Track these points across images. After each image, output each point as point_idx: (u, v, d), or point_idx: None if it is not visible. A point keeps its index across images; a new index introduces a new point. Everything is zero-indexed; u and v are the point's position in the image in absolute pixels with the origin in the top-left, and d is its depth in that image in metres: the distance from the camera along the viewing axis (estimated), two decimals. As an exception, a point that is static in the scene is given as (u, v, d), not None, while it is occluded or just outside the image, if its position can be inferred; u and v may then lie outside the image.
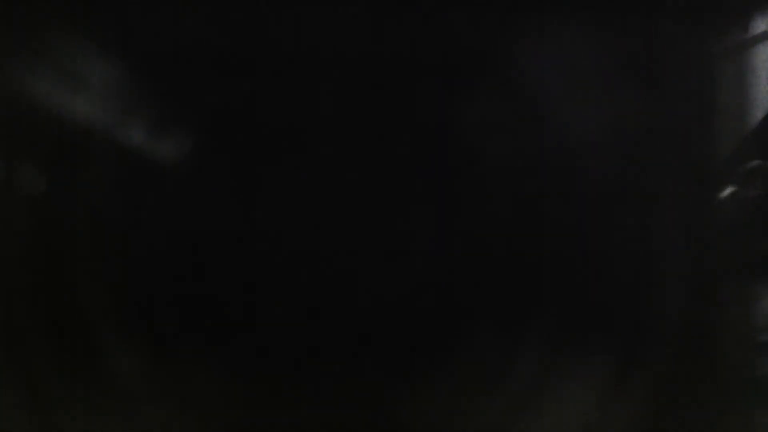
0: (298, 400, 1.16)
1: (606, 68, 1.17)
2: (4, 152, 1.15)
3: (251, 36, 1.16)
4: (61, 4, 1.14)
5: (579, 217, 1.16)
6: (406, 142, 1.18)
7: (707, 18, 1.18)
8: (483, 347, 1.16)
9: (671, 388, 1.14)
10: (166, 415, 1.14)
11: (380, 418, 1.16)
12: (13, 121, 1.15)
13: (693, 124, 1.19)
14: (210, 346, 1.15)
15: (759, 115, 1.19)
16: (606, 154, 1.17)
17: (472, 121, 1.18)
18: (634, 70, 1.17)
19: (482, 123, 1.18)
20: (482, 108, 1.17)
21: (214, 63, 1.17)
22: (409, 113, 1.18)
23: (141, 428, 1.13)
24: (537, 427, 1.15)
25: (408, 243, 1.18)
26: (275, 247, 1.17)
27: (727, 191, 1.18)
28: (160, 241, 1.16)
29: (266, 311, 1.17)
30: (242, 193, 1.18)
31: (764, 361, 1.16)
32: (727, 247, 1.17)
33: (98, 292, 1.15)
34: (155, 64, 1.16)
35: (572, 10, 1.15)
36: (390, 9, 1.15)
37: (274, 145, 1.19)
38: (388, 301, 1.17)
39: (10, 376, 1.12)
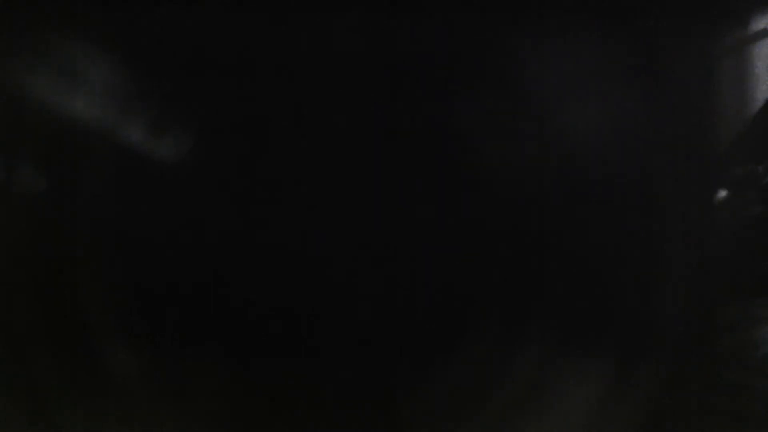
0: (298, 401, 1.16)
1: (603, 68, 1.17)
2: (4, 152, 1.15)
3: (252, 38, 1.16)
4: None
5: (573, 220, 1.16)
6: (409, 143, 1.18)
7: (707, 17, 1.18)
8: (484, 348, 1.16)
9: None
10: (166, 417, 1.14)
11: (381, 419, 1.16)
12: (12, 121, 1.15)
13: (692, 125, 1.19)
14: (210, 348, 1.16)
15: (759, 115, 1.19)
16: (602, 155, 1.17)
17: (476, 122, 1.18)
18: (632, 70, 1.17)
19: (486, 124, 1.18)
20: (486, 109, 1.18)
21: (216, 64, 1.17)
22: (412, 114, 1.18)
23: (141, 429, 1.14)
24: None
25: (409, 243, 1.18)
26: (278, 248, 1.17)
27: (727, 196, 1.18)
28: (162, 241, 1.16)
29: (267, 312, 1.17)
30: (244, 195, 1.18)
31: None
32: (727, 254, 1.17)
33: (98, 293, 1.15)
34: (157, 65, 1.16)
35: (570, 9, 1.15)
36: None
37: (276, 146, 1.19)
38: (389, 302, 1.17)
39: (10, 378, 1.12)
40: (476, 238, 1.17)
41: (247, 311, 1.16)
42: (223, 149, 1.19)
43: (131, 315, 1.15)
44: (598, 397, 1.15)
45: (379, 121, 1.18)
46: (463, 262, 1.18)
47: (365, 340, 1.16)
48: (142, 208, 1.17)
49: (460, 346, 1.16)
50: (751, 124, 1.19)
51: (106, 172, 1.17)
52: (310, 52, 1.16)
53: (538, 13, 1.15)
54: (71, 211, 1.16)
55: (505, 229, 1.17)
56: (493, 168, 1.17)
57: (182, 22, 1.15)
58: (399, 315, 1.17)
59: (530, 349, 1.15)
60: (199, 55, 1.16)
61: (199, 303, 1.16)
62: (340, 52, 1.17)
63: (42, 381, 1.13)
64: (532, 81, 1.17)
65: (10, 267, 1.14)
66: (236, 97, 1.18)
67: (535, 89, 1.17)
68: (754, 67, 1.19)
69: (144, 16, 1.14)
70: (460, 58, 1.17)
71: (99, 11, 1.14)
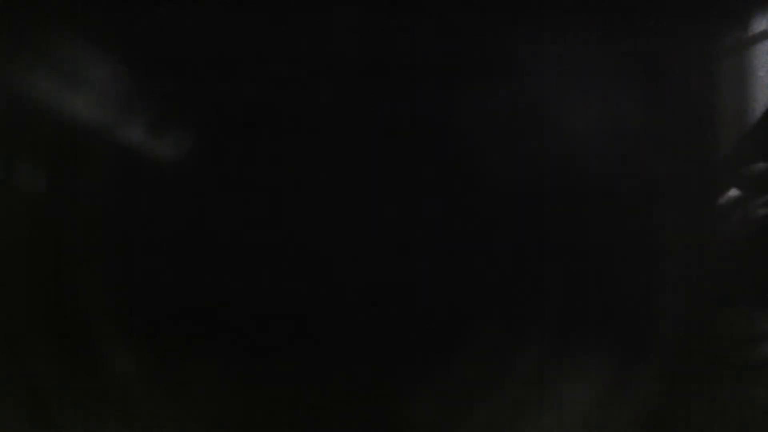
0: (298, 401, 1.16)
1: (604, 68, 1.17)
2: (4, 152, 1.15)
3: (252, 36, 1.16)
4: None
5: (574, 220, 1.16)
6: (408, 143, 1.18)
7: (707, 18, 1.18)
8: (484, 347, 1.16)
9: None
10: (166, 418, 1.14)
11: (381, 419, 1.16)
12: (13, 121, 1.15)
13: (693, 125, 1.19)
14: (209, 348, 1.16)
15: (759, 115, 1.19)
16: (603, 155, 1.17)
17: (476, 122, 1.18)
18: (632, 70, 1.17)
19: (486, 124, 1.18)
20: (486, 108, 1.18)
21: (215, 63, 1.17)
22: (412, 114, 1.18)
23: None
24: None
25: (409, 243, 1.18)
26: (277, 247, 1.17)
27: (729, 195, 1.18)
28: (161, 241, 1.16)
29: (267, 312, 1.17)
30: (244, 195, 1.18)
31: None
32: (731, 255, 1.17)
33: (98, 293, 1.15)
34: (156, 66, 1.17)
35: (571, 9, 1.15)
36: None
37: (275, 145, 1.19)
38: (389, 302, 1.17)
39: (9, 379, 1.12)
40: (475, 238, 1.17)
41: (248, 311, 1.16)
42: (222, 150, 1.19)
43: (131, 315, 1.15)
44: (599, 397, 1.15)
45: (378, 121, 1.18)
46: (463, 262, 1.18)
47: (365, 340, 1.16)
48: (141, 208, 1.17)
49: (460, 346, 1.16)
50: (752, 125, 1.19)
51: (106, 171, 1.17)
52: (310, 51, 1.16)
53: (538, 12, 1.15)
54: (71, 210, 1.16)
55: (506, 229, 1.17)
56: (494, 167, 1.17)
57: (182, 22, 1.15)
58: (398, 315, 1.17)
59: (530, 348, 1.15)
60: (199, 55, 1.16)
61: (199, 303, 1.16)
62: (340, 52, 1.17)
63: (42, 381, 1.13)
64: (533, 81, 1.17)
65: (10, 267, 1.14)
66: (236, 96, 1.18)
67: (535, 89, 1.17)
68: (754, 67, 1.19)
69: (144, 16, 1.14)
70: (460, 57, 1.17)
71: (99, 11, 1.14)
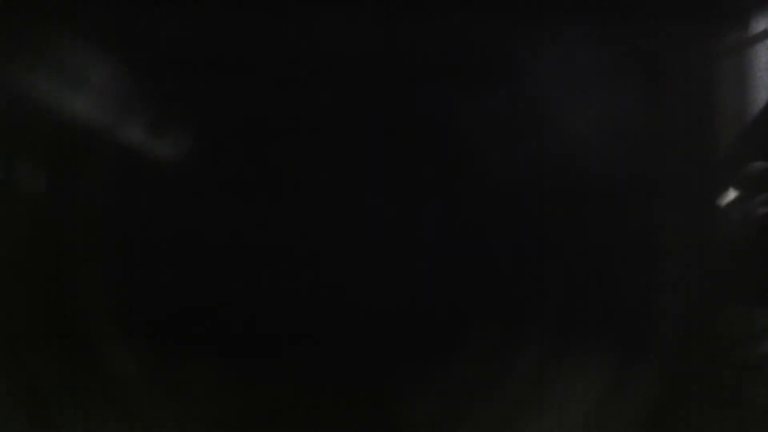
0: (297, 401, 1.16)
1: (603, 68, 1.16)
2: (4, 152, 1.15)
3: (252, 36, 1.16)
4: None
5: (574, 220, 1.16)
6: (408, 143, 1.18)
7: (707, 18, 1.18)
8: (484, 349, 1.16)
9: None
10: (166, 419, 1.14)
11: (381, 420, 1.16)
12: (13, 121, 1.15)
13: (693, 125, 1.19)
14: (209, 348, 1.16)
15: (759, 115, 1.19)
16: (603, 155, 1.17)
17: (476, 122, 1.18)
18: (632, 70, 1.17)
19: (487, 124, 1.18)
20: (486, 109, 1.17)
21: (215, 64, 1.17)
22: (412, 114, 1.18)
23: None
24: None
25: (409, 243, 1.18)
26: (276, 248, 1.17)
27: (729, 195, 1.18)
28: (161, 241, 1.16)
29: (267, 312, 1.17)
30: (243, 196, 1.18)
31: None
32: (730, 254, 1.17)
33: (99, 293, 1.15)
34: (156, 66, 1.16)
35: (571, 9, 1.15)
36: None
37: (274, 145, 1.19)
38: (388, 301, 1.17)
39: (9, 379, 1.12)
40: (475, 238, 1.17)
41: (248, 311, 1.16)
42: (222, 150, 1.19)
43: (131, 315, 1.15)
44: (599, 397, 1.15)
45: (378, 121, 1.18)
46: (463, 262, 1.18)
47: (365, 340, 1.16)
48: (141, 208, 1.17)
49: (460, 346, 1.16)
50: (752, 125, 1.19)
51: (106, 171, 1.17)
52: (310, 51, 1.16)
53: (539, 12, 1.15)
54: (71, 210, 1.16)
55: (506, 229, 1.17)
56: (494, 168, 1.17)
57: (182, 22, 1.15)
58: (398, 315, 1.17)
59: (530, 348, 1.15)
60: (199, 55, 1.16)
61: (199, 303, 1.16)
62: (340, 52, 1.17)
63: (42, 381, 1.13)
64: (533, 81, 1.17)
65: (10, 267, 1.14)
66: (236, 96, 1.18)
67: (535, 90, 1.17)
68: (754, 67, 1.19)
69: (144, 16, 1.14)
70: (460, 57, 1.17)
71: (99, 11, 1.14)
